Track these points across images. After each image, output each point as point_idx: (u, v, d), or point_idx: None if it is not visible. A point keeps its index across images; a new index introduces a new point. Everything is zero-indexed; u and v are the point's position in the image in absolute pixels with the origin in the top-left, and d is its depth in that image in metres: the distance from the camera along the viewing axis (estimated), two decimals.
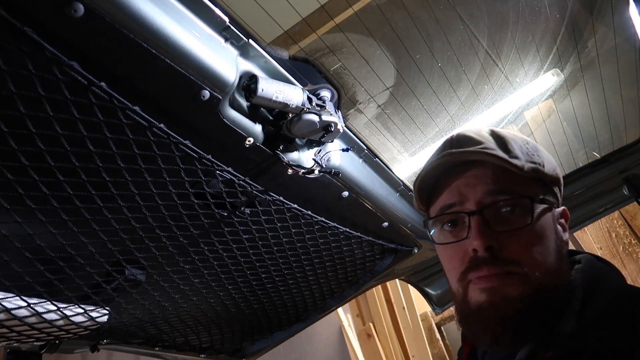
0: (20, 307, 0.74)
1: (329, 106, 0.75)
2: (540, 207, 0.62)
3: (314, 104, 0.72)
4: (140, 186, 0.68)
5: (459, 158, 0.64)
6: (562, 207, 0.67)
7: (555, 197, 0.66)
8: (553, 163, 0.68)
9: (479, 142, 0.64)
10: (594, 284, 0.60)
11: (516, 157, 0.62)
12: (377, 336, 3.25)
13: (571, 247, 0.71)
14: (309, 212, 0.94)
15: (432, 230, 0.68)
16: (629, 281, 0.80)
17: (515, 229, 0.60)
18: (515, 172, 0.61)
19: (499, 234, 0.60)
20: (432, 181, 0.68)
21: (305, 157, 0.82)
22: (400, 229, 1.15)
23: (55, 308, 0.78)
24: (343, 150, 0.87)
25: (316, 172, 0.82)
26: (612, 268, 0.66)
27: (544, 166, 0.65)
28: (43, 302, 0.77)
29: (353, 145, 0.90)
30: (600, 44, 1.01)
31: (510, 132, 0.69)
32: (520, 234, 0.60)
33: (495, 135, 0.66)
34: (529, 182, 0.63)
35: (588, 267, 0.64)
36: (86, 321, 0.86)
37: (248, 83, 0.65)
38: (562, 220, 0.67)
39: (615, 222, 2.55)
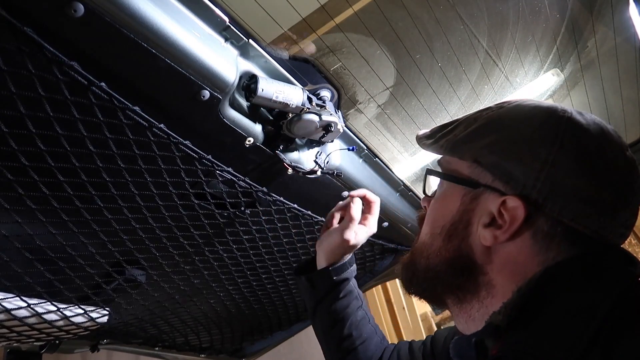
0: (20, 308, 0.74)
1: (329, 106, 0.75)
2: (445, 183, 0.57)
3: (314, 104, 0.72)
4: (140, 186, 0.68)
5: None
6: (504, 197, 0.49)
7: (485, 180, 0.52)
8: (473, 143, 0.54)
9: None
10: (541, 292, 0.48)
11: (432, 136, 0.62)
12: None
13: None
14: (309, 212, 0.94)
15: None
16: None
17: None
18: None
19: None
20: None
21: (305, 157, 0.82)
22: (400, 229, 1.15)
23: (55, 308, 0.78)
24: (349, 149, 0.87)
25: (318, 173, 0.82)
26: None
27: (443, 142, 0.58)
28: (43, 302, 0.77)
29: (354, 145, 0.90)
30: (600, 44, 1.02)
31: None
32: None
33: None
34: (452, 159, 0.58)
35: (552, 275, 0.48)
36: (86, 321, 0.86)
37: (248, 83, 0.65)
38: (501, 210, 0.49)
39: None
